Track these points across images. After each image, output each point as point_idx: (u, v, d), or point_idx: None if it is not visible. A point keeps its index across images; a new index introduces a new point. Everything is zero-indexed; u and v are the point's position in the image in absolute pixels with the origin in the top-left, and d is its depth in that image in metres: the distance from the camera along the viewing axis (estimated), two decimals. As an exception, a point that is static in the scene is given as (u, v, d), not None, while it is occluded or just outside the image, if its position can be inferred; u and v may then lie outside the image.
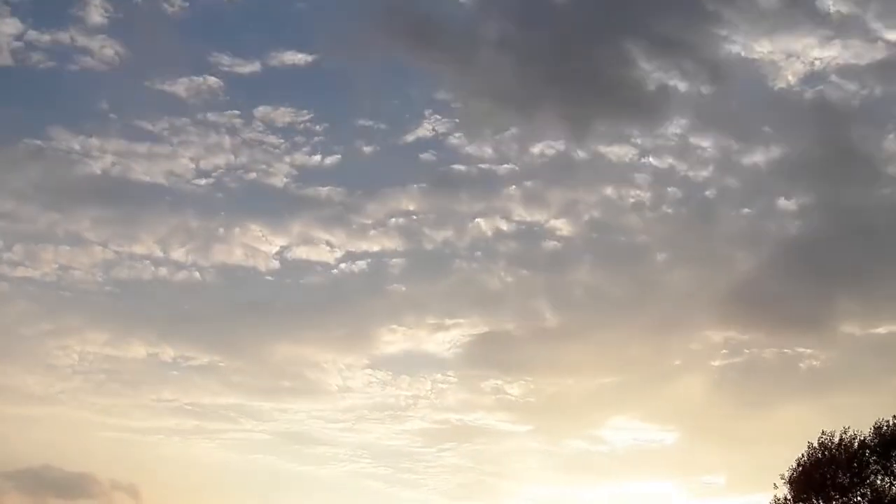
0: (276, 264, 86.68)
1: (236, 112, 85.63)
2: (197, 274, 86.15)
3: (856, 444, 43.09)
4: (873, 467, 42.56)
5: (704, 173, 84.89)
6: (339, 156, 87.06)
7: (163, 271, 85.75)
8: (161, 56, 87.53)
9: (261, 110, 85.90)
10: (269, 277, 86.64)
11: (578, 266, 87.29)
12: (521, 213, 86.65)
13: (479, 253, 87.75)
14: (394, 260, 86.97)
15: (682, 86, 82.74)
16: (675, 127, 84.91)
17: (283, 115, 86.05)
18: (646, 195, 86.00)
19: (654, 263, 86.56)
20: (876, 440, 42.71)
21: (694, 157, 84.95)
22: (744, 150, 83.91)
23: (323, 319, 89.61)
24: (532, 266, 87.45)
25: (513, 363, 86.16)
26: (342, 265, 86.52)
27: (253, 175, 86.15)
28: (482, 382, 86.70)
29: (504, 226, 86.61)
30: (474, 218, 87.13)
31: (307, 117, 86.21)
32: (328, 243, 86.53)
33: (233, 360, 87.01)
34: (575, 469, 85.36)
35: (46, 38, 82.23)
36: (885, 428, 42.78)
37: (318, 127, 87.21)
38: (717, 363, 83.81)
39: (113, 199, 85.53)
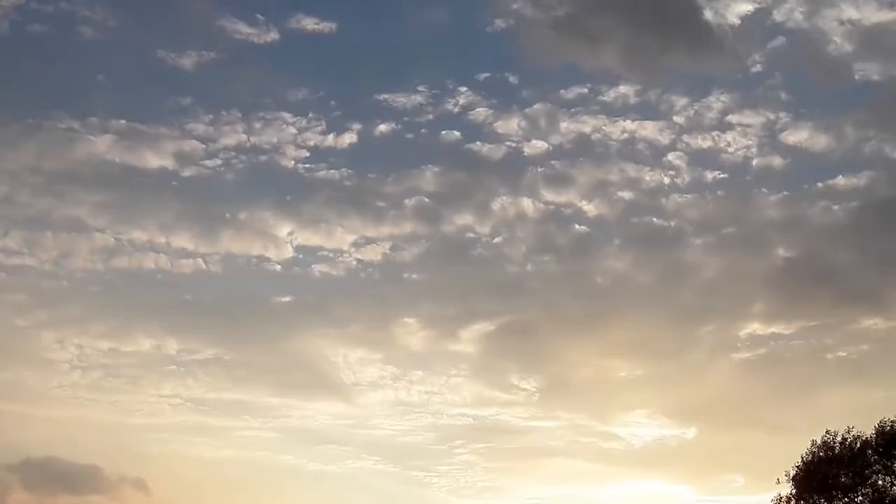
0: (287, 251, 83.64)
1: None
2: (201, 262, 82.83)
3: (858, 443, 43.40)
4: (875, 467, 42.86)
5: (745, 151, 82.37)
6: (354, 134, 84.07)
7: (166, 259, 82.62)
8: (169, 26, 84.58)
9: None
10: (279, 266, 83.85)
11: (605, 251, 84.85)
12: (548, 195, 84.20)
13: (500, 238, 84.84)
14: (410, 246, 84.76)
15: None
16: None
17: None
18: (682, 175, 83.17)
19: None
20: (878, 440, 42.95)
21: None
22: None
23: (334, 310, 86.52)
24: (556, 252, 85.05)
25: (532, 355, 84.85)
26: (356, 252, 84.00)
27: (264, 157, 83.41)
28: (499, 377, 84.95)
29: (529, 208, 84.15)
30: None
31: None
32: (342, 228, 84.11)
33: (239, 354, 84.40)
34: (593, 466, 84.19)
35: (47, 7, 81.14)
36: (887, 428, 43.00)
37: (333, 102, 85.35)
38: (745, 355, 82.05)
39: (114, 182, 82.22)
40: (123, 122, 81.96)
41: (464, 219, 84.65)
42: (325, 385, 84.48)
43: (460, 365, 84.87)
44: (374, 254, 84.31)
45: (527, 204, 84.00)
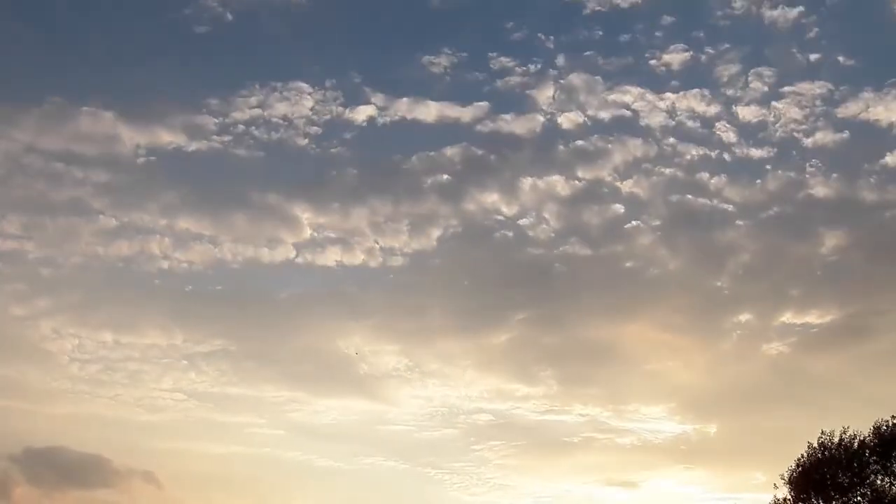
0: (305, 233, 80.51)
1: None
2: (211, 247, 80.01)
3: (856, 444, 43.09)
4: (873, 467, 42.50)
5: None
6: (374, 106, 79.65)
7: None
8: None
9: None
10: (293, 252, 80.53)
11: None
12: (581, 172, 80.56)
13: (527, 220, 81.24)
14: (432, 229, 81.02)
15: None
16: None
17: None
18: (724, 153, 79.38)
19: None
20: (876, 440, 42.63)
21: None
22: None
23: (349, 298, 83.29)
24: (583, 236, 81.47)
25: (554, 347, 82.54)
26: (373, 238, 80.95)
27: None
28: (518, 369, 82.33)
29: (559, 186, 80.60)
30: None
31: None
32: (359, 210, 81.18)
33: (248, 345, 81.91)
34: (610, 461, 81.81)
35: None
36: (884, 428, 42.69)
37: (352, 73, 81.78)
38: (779, 346, 78.98)
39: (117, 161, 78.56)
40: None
41: (489, 198, 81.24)
42: (337, 379, 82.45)
43: (479, 357, 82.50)
44: (392, 239, 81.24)
45: (557, 181, 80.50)
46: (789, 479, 44.07)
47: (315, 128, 79.60)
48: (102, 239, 78.99)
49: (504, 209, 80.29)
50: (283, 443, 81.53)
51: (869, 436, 42.73)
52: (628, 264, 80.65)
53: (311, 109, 79.34)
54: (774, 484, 44.57)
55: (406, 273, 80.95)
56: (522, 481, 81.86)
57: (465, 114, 78.62)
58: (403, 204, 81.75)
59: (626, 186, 79.62)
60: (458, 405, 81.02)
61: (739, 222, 79.51)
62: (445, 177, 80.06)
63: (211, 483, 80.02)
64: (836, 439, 43.31)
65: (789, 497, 44.02)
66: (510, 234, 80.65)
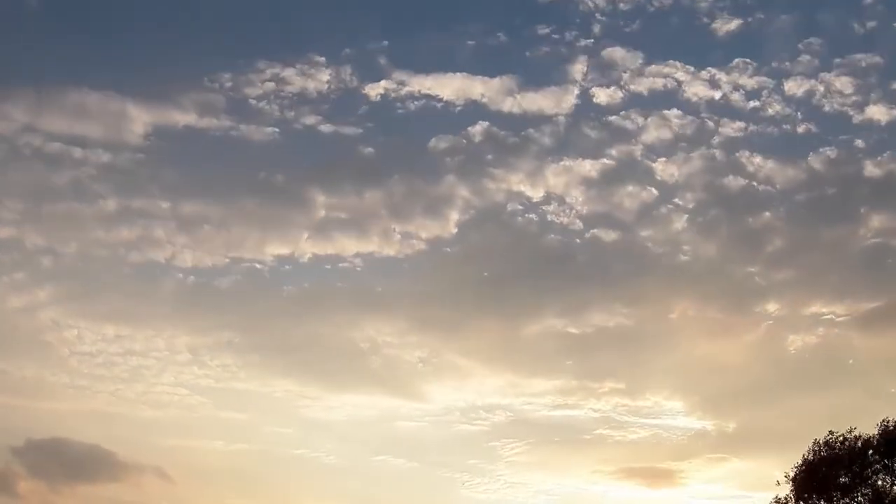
0: (318, 216, 78.40)
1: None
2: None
3: (859, 443, 42.61)
4: (875, 467, 42.03)
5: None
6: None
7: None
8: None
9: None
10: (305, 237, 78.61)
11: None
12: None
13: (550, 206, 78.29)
14: (451, 216, 78.44)
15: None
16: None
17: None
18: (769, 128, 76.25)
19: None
20: (879, 440, 42.08)
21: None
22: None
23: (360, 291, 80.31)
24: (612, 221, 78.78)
25: (574, 340, 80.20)
26: (388, 223, 78.50)
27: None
28: (535, 365, 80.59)
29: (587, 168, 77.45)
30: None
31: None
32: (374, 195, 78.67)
33: (254, 341, 79.54)
34: (624, 459, 79.68)
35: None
36: (891, 427, 42.05)
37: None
38: (808, 338, 76.60)
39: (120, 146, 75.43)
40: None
41: (513, 183, 78.54)
42: (350, 373, 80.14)
43: (498, 350, 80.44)
44: (409, 224, 78.91)
45: (586, 162, 77.92)
46: (792, 478, 43.66)
47: (327, 106, 76.92)
48: (104, 224, 76.36)
49: (528, 192, 77.33)
50: (291, 440, 79.85)
51: (874, 435, 42.14)
52: (658, 250, 78.10)
53: (327, 83, 76.63)
54: (777, 481, 44.29)
55: (423, 260, 77.97)
56: (536, 478, 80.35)
57: (490, 87, 75.58)
58: (420, 186, 78.85)
59: (660, 166, 77.02)
60: (473, 401, 79.11)
61: (777, 204, 76.68)
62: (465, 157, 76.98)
63: (214, 478, 79.40)
64: (840, 439, 42.77)
65: (791, 496, 43.69)
66: (534, 218, 77.87)
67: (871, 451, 41.67)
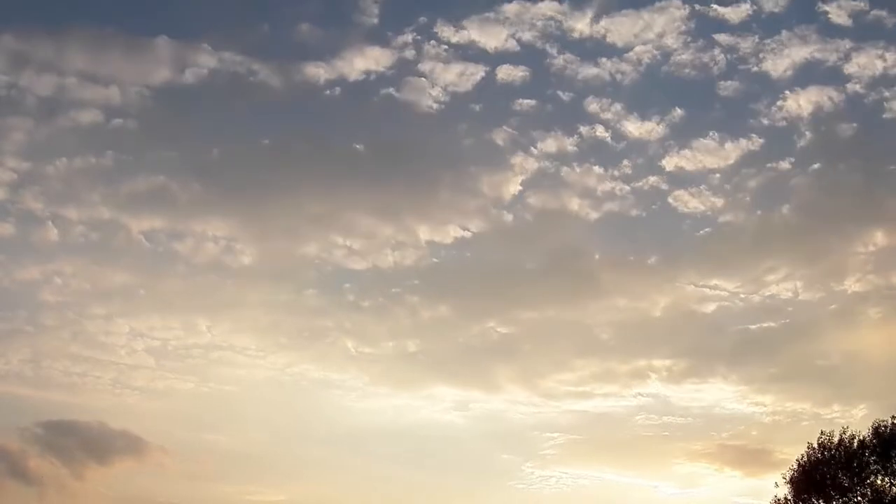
0: None
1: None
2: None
3: (855, 443, 43.26)
4: (873, 467, 42.68)
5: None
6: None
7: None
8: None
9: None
10: None
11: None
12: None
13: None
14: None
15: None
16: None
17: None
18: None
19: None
20: (875, 440, 42.82)
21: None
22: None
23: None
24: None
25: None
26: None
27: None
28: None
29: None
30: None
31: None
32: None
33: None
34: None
35: None
36: (883, 428, 42.91)
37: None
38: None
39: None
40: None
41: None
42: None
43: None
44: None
45: None
46: (790, 480, 44.25)
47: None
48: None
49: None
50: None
51: (868, 436, 42.95)
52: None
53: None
54: (776, 483, 44.90)
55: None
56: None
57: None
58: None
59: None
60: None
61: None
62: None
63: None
64: (835, 439, 43.52)
65: (789, 497, 44.21)
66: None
67: (867, 452, 42.37)
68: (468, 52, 78.56)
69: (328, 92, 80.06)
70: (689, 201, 78.15)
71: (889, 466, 42.32)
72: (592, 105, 79.08)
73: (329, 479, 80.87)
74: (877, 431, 42.90)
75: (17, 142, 77.47)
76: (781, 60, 75.95)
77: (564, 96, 79.99)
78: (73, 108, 77.36)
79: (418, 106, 78.83)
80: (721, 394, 77.82)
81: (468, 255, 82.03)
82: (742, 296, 78.99)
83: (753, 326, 79.07)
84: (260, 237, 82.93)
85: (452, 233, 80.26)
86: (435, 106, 78.77)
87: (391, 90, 79.65)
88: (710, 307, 79.09)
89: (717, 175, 78.74)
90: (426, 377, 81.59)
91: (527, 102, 79.68)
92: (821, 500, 43.41)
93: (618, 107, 78.57)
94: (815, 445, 44.01)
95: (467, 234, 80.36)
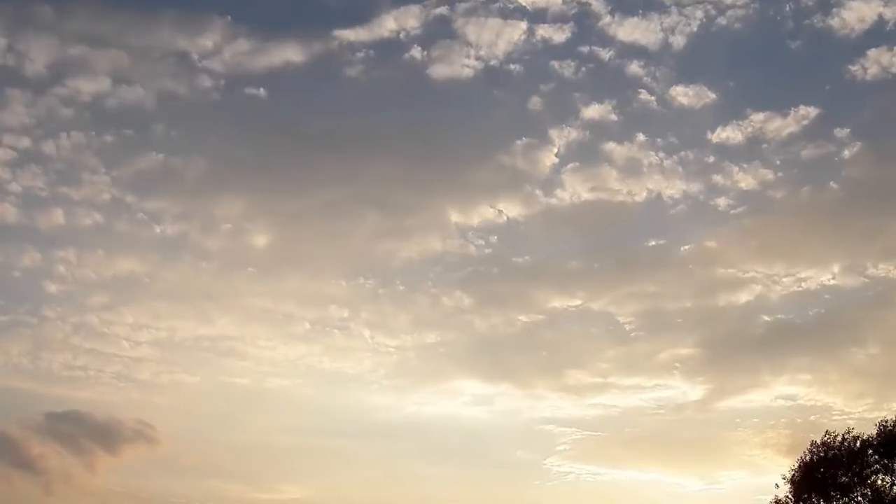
0: None
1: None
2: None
3: (857, 443, 42.45)
4: (875, 467, 41.88)
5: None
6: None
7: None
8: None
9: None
10: None
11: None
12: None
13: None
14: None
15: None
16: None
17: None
18: None
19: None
20: (878, 439, 41.94)
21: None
22: None
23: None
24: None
25: None
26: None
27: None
28: None
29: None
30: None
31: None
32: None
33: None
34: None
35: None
36: (887, 428, 41.96)
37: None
38: None
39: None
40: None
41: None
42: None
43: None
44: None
45: None
46: (791, 479, 43.52)
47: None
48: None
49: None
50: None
51: (872, 435, 42.09)
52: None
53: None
54: (776, 484, 44.13)
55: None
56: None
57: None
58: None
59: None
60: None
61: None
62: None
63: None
64: (838, 438, 42.66)
65: (790, 497, 43.47)
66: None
67: (870, 451, 41.59)
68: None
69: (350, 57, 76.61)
70: (735, 177, 74.79)
71: (891, 466, 41.52)
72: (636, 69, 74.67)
73: (345, 476, 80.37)
74: (881, 431, 41.98)
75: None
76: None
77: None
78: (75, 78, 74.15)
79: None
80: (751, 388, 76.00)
81: (495, 238, 79.70)
82: (779, 282, 76.24)
83: (787, 316, 76.84)
84: (273, 220, 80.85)
85: (482, 214, 78.42)
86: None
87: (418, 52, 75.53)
88: (744, 296, 76.41)
89: (766, 147, 74.95)
90: (446, 370, 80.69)
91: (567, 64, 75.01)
92: (821, 500, 42.66)
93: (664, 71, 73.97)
94: (818, 444, 43.09)
95: (497, 217, 78.19)
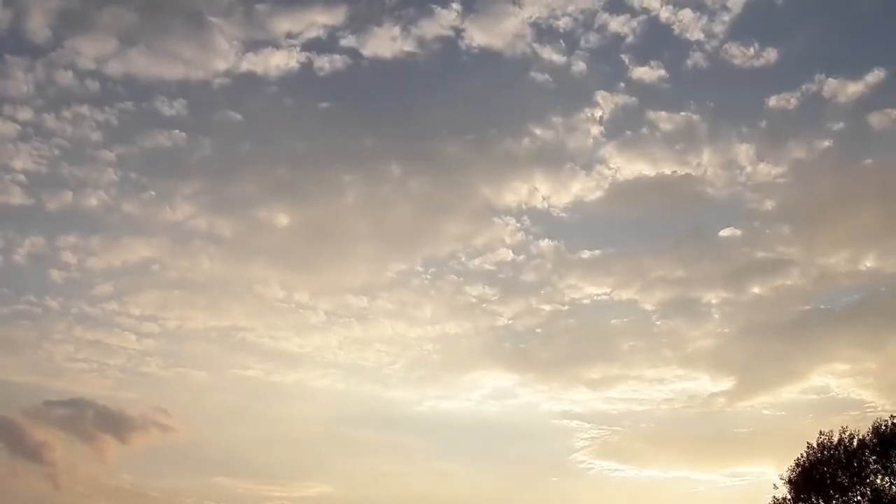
0: None
1: None
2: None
3: (855, 443, 42.71)
4: (873, 467, 42.10)
5: None
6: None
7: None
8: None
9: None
10: None
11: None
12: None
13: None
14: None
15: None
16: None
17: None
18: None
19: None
20: (875, 440, 42.23)
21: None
22: None
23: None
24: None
25: None
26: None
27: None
28: None
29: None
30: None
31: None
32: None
33: None
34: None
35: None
36: (884, 428, 42.30)
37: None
38: None
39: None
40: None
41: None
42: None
43: None
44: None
45: None
46: (789, 479, 43.75)
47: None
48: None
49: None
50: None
51: (868, 435, 42.36)
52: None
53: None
54: (774, 485, 44.38)
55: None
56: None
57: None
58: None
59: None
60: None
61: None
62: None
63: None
64: (835, 439, 43.00)
65: (789, 497, 43.70)
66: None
67: (867, 451, 41.80)
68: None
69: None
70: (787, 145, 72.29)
71: (889, 466, 41.70)
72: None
73: (363, 471, 79.83)
74: (877, 431, 42.28)
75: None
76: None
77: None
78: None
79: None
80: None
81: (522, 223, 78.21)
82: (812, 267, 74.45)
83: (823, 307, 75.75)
84: (289, 206, 79.77)
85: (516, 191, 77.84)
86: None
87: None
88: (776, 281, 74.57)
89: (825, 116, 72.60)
90: (466, 362, 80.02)
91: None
92: (820, 500, 42.82)
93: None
94: (815, 445, 43.40)
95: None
